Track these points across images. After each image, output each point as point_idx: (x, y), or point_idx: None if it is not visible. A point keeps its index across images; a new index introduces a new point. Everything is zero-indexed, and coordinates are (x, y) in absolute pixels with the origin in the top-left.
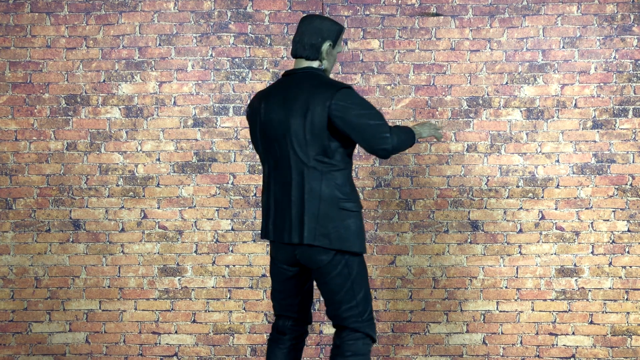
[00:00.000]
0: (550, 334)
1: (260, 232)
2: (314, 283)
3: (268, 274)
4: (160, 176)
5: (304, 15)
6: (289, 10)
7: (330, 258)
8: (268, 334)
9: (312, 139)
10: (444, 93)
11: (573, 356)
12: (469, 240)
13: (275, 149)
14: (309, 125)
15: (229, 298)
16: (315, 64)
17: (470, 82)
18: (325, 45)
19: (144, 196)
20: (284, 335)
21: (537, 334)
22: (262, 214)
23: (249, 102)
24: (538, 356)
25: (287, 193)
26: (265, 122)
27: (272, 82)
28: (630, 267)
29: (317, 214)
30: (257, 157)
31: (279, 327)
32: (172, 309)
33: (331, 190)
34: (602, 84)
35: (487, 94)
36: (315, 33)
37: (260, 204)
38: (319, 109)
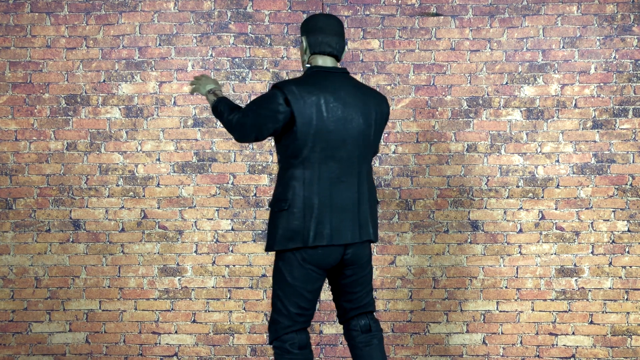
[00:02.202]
0: (550, 334)
1: (296, 239)
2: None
3: (268, 274)
4: (160, 176)
5: (326, 13)
6: (289, 10)
7: (369, 250)
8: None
9: (374, 140)
10: (444, 93)
11: (573, 356)
12: (469, 240)
13: (340, 149)
14: (374, 126)
15: (229, 298)
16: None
17: (470, 82)
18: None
19: (144, 196)
20: (306, 349)
21: (537, 334)
22: (300, 219)
23: (285, 92)
24: (538, 356)
25: (353, 192)
26: (333, 120)
27: (272, 82)
28: (630, 267)
29: (374, 210)
30: (258, 157)
31: (300, 343)
32: (172, 309)
33: (375, 187)
34: (602, 84)
35: (487, 94)
36: (343, 37)
37: (258, 204)
38: (382, 113)
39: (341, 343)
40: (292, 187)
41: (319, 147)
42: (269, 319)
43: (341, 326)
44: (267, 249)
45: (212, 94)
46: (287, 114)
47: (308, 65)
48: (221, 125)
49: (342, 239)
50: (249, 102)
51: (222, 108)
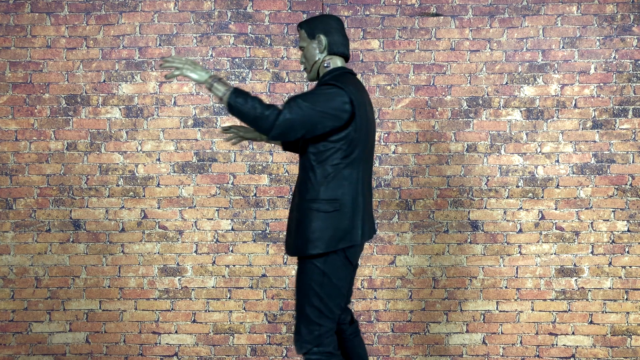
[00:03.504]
0: (550, 334)
1: (345, 239)
2: None
3: (268, 274)
4: (160, 176)
5: (335, 15)
6: (289, 10)
7: None
8: (269, 334)
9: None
10: (444, 93)
11: (573, 356)
12: (469, 240)
13: (369, 150)
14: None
15: (229, 298)
16: None
17: (470, 82)
18: None
19: (144, 196)
20: (339, 351)
21: (537, 334)
22: (349, 218)
23: (347, 92)
24: (538, 356)
25: (370, 191)
26: (368, 122)
27: (272, 82)
28: (630, 267)
29: None
30: (258, 157)
31: (337, 344)
32: (172, 309)
33: None
34: (602, 84)
35: (487, 94)
36: None
37: (258, 204)
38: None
39: None
40: (343, 187)
41: (363, 149)
42: (304, 327)
43: None
44: (313, 250)
45: (220, 82)
46: (350, 114)
47: (327, 66)
48: (222, 125)
49: (370, 235)
50: (293, 97)
51: (251, 101)
